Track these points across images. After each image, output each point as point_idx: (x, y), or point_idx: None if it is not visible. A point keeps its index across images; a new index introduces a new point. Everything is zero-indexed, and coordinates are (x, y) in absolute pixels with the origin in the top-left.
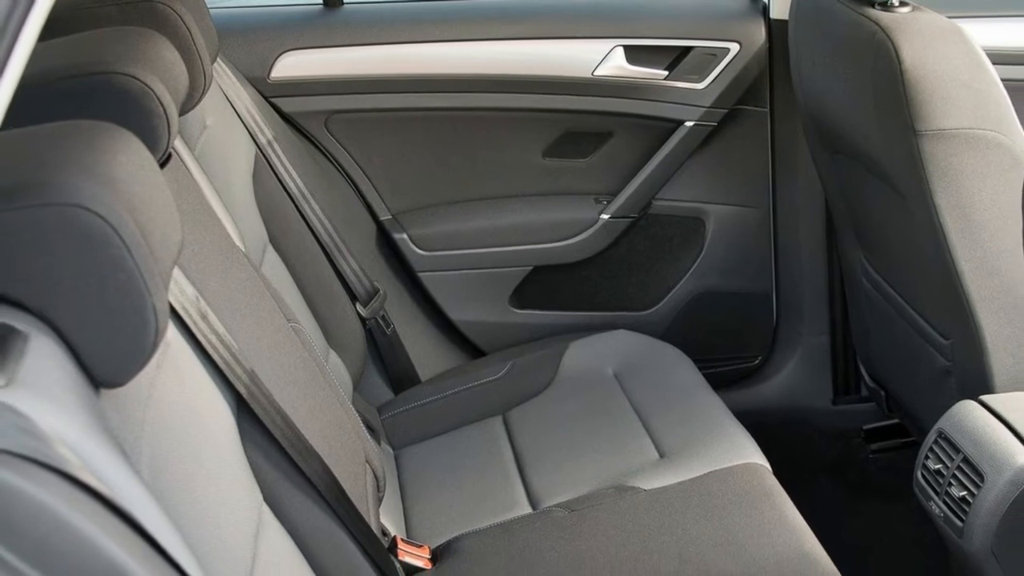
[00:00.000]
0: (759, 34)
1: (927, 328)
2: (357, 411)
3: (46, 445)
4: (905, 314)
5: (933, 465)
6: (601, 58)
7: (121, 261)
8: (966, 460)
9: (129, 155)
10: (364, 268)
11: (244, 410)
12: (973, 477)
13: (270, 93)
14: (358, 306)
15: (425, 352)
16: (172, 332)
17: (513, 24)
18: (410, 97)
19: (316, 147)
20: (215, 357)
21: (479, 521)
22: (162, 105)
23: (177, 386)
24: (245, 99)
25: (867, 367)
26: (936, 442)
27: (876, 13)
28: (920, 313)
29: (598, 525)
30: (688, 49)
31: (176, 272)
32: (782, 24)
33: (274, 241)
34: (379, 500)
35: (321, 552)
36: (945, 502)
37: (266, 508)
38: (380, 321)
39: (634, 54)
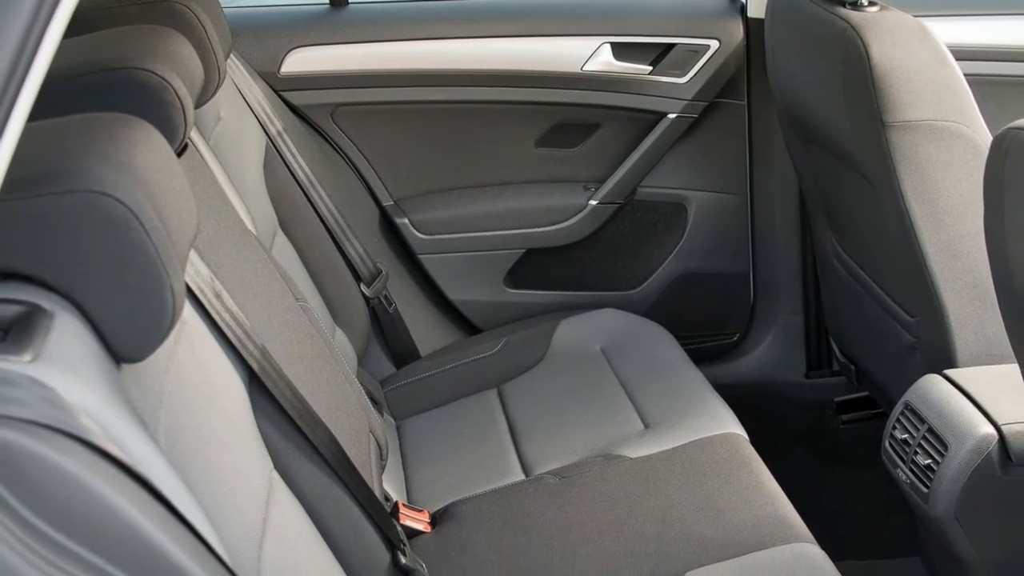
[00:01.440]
0: (737, 32)
1: (894, 307)
2: (361, 384)
3: (70, 416)
4: (874, 293)
5: (900, 435)
6: (589, 54)
7: (141, 244)
8: (931, 430)
9: (148, 145)
10: (368, 250)
11: (256, 383)
12: (937, 446)
13: (280, 87)
14: (362, 286)
15: (425, 329)
16: (188, 310)
17: (507, 23)
18: (411, 91)
19: (323, 138)
20: (228, 334)
21: (475, 487)
22: (179, 98)
23: (193, 361)
24: (256, 93)
25: (838, 343)
26: (903, 413)
27: (847, 12)
28: (888, 293)
29: (587, 491)
30: (671, 46)
31: (192, 254)
32: (759, 22)
33: (284, 225)
34: (382, 468)
35: (328, 516)
36: (911, 469)
37: (276, 475)
38: (383, 300)
39: (620, 50)
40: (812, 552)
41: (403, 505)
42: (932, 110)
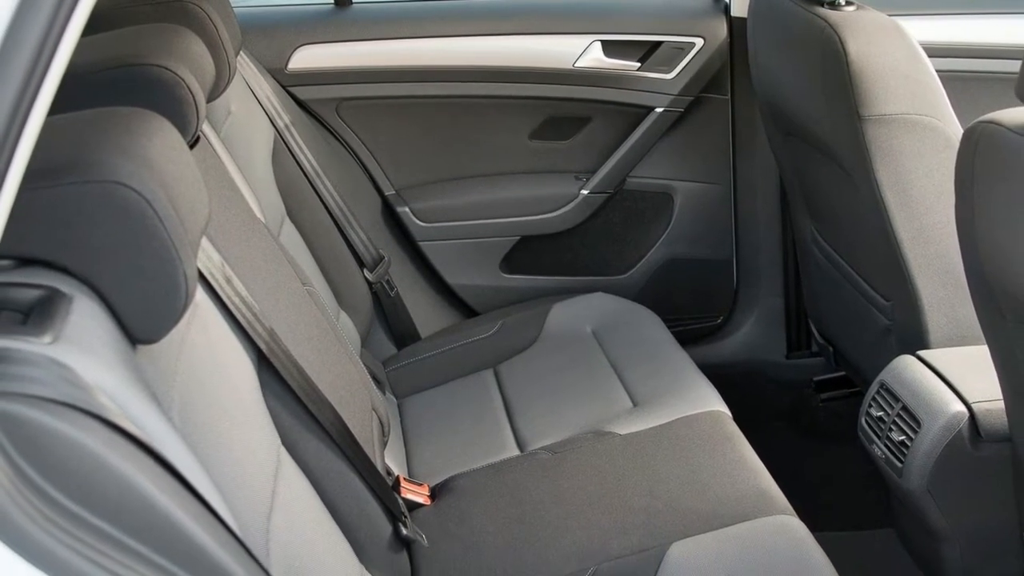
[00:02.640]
0: (721, 30)
1: (870, 291)
2: (364, 365)
3: (88, 394)
4: (851, 278)
5: (875, 412)
6: (581, 51)
7: (155, 232)
8: (905, 408)
9: (162, 138)
10: (371, 238)
11: (264, 364)
12: (911, 423)
13: (287, 82)
14: (365, 271)
15: (425, 312)
16: (200, 294)
17: (503, 21)
18: (412, 86)
19: (328, 130)
20: (238, 316)
21: (473, 462)
22: (191, 93)
23: (205, 342)
24: (265, 88)
25: (817, 325)
26: (878, 392)
27: (825, 11)
28: (864, 277)
29: (578, 466)
30: (658, 43)
31: (204, 241)
32: (742, 21)
33: (291, 214)
34: (384, 444)
35: (333, 489)
36: (886, 445)
37: (284, 451)
38: (385, 285)
39: (610, 48)
40: (792, 524)
41: (404, 479)
42: (906, 104)
